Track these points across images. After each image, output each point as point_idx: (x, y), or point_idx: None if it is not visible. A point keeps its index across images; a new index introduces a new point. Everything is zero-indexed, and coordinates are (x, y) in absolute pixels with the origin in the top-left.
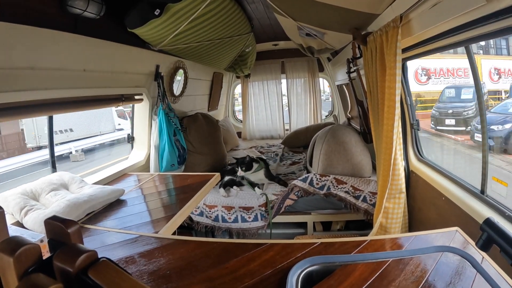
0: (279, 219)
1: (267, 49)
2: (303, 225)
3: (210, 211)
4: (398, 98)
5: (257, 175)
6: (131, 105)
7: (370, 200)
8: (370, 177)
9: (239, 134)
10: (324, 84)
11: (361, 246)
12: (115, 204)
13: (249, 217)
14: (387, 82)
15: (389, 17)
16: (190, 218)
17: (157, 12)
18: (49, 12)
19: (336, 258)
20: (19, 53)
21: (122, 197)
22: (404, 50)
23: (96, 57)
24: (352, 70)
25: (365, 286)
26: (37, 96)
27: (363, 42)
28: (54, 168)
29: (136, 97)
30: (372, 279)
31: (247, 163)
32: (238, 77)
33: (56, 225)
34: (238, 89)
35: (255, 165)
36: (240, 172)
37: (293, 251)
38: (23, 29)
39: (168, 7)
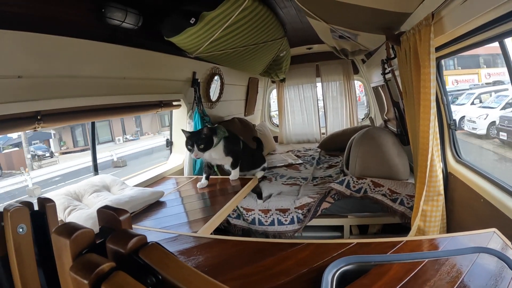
0: (315, 222)
1: (301, 53)
2: (339, 228)
3: (247, 214)
4: (433, 98)
5: (216, 151)
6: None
7: (408, 203)
8: (407, 180)
9: (275, 138)
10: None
11: (397, 247)
12: (155, 205)
13: (286, 220)
14: (422, 82)
15: (421, 16)
16: (227, 220)
17: (192, 20)
18: (89, 24)
19: (371, 258)
20: (63, 62)
21: (162, 199)
22: (438, 49)
23: (135, 65)
24: (387, 71)
25: (399, 286)
26: (80, 102)
27: (397, 42)
28: (96, 172)
29: (174, 103)
30: (407, 279)
31: (205, 137)
32: (273, 82)
33: (108, 213)
34: (274, 94)
35: (215, 139)
36: (196, 154)
37: (329, 251)
38: (66, 40)
39: (203, 15)
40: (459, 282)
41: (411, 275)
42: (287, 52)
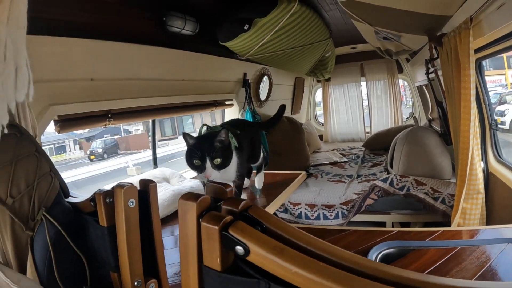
0: (358, 217)
1: (346, 53)
2: (382, 224)
3: (294, 208)
4: (473, 98)
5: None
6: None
7: (449, 202)
8: (450, 179)
9: (320, 137)
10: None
11: (434, 235)
12: None
13: (331, 215)
14: (462, 83)
15: (460, 19)
16: (275, 214)
17: (246, 27)
18: (151, 32)
19: (410, 243)
20: (129, 66)
21: None
22: (478, 50)
23: (192, 68)
24: (430, 71)
25: (433, 267)
26: (144, 102)
27: (439, 43)
28: (155, 165)
29: (227, 102)
30: (441, 261)
31: (222, 146)
32: (319, 81)
33: (217, 187)
34: (319, 93)
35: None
36: (210, 173)
37: (373, 237)
38: (131, 47)
39: (256, 22)
40: (486, 266)
41: (444, 259)
42: (332, 52)
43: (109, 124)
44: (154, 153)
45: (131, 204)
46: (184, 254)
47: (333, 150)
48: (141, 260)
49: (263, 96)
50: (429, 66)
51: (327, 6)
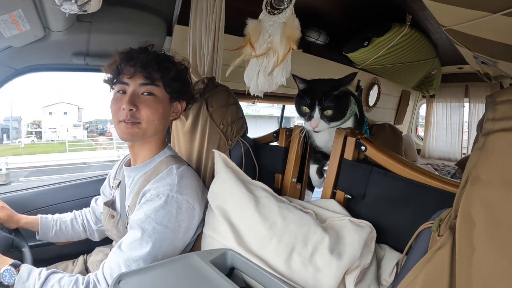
0: None
1: (452, 72)
2: None
3: None
4: None
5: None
6: None
7: None
8: None
9: (418, 151)
10: None
11: None
12: None
13: None
14: None
15: None
16: None
17: (365, 43)
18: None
19: None
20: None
21: None
22: None
23: (320, 70)
24: None
25: None
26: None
27: None
28: None
29: None
30: None
31: (340, 95)
32: (424, 97)
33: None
34: (423, 108)
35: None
36: (317, 123)
37: None
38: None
39: (373, 40)
40: None
41: None
42: (438, 71)
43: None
44: None
45: (301, 134)
46: (334, 154)
47: (427, 164)
48: (298, 168)
49: (371, 102)
50: None
51: (434, 29)
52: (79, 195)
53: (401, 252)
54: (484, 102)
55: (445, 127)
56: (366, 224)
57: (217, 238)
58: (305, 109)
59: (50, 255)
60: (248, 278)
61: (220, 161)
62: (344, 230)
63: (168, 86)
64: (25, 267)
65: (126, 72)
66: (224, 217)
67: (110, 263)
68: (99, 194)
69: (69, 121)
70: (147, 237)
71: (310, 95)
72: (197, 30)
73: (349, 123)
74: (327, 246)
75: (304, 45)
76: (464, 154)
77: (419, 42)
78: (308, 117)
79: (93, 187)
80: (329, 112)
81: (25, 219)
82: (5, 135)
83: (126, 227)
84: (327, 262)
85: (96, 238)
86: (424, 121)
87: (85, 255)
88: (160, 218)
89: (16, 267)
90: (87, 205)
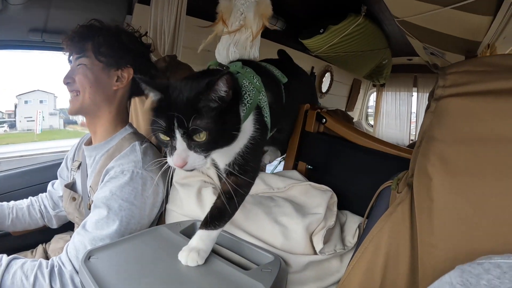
0: None
1: (401, 63)
2: None
3: None
4: None
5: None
6: None
7: None
8: None
9: None
10: None
11: None
12: None
13: None
14: None
15: (483, 44)
16: None
17: (321, 31)
18: None
19: None
20: None
21: None
22: None
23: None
24: None
25: None
26: None
27: None
28: None
29: None
30: None
31: (215, 110)
32: (374, 86)
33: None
34: (372, 97)
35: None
36: (182, 159)
37: None
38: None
39: (329, 27)
40: None
41: None
42: (389, 61)
43: None
44: None
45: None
46: (296, 127)
47: None
48: None
49: (324, 89)
50: None
51: (387, 20)
52: (36, 181)
53: (362, 216)
54: None
55: (394, 114)
56: (326, 188)
57: (182, 212)
58: (163, 136)
59: (6, 246)
60: (217, 246)
61: None
62: (306, 194)
63: (98, 54)
64: None
65: (67, 50)
66: (189, 191)
67: (75, 243)
68: (54, 179)
69: (46, 109)
70: (114, 215)
71: (166, 111)
72: (158, 9)
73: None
74: (292, 208)
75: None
76: (412, 140)
77: (372, 32)
78: (169, 148)
79: (50, 172)
80: (201, 136)
81: None
82: None
83: (89, 209)
84: (294, 222)
85: (54, 225)
86: (373, 110)
87: (44, 244)
88: (126, 195)
89: None
90: (43, 191)
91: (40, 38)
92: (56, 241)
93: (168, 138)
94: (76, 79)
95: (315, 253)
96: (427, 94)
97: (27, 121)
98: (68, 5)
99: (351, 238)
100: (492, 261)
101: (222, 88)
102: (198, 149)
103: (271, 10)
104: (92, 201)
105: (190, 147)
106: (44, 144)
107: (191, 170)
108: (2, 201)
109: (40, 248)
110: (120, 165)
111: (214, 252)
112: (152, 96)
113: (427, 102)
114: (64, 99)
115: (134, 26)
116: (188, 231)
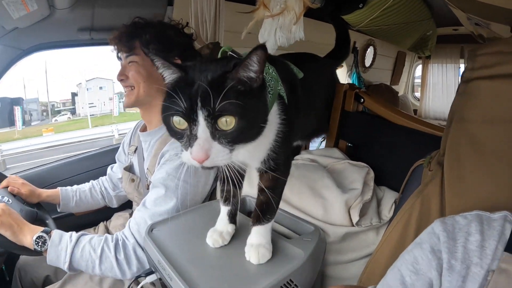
0: None
1: (447, 33)
2: None
3: None
4: None
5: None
6: None
7: None
8: None
9: (415, 111)
10: None
11: None
12: None
13: None
14: None
15: None
16: None
17: (361, 5)
18: None
19: None
20: None
21: None
22: None
23: (318, 33)
24: None
25: None
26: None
27: None
28: None
29: None
30: None
31: (242, 93)
32: (419, 58)
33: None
34: (419, 69)
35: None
36: (203, 152)
37: None
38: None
39: (368, 1)
40: None
41: None
42: (433, 32)
43: None
44: None
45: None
46: (335, 107)
47: None
48: None
49: (367, 63)
50: None
51: None
52: (93, 166)
53: (398, 192)
54: None
55: (441, 87)
56: (363, 165)
57: None
58: (179, 123)
59: (70, 225)
60: None
61: None
62: (345, 172)
63: (147, 50)
64: (56, 232)
65: (116, 49)
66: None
67: (136, 219)
68: (112, 163)
69: (106, 95)
70: (171, 193)
71: (187, 91)
72: None
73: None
74: (332, 183)
75: None
76: None
77: (414, 3)
78: (186, 139)
79: (106, 157)
80: (228, 123)
81: (46, 193)
82: (32, 116)
83: (148, 188)
84: (334, 195)
85: (114, 204)
86: (420, 82)
87: (105, 221)
88: (181, 175)
89: (47, 233)
90: (102, 174)
91: (88, 36)
92: (116, 219)
93: (185, 126)
94: (130, 75)
95: (352, 225)
96: None
97: (89, 107)
98: (111, 3)
99: (387, 212)
100: (462, 214)
101: (253, 66)
102: (224, 139)
103: None
104: (150, 181)
105: (214, 136)
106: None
107: (210, 168)
108: (65, 186)
109: (101, 225)
110: (174, 148)
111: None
112: (168, 77)
113: None
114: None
115: (175, 18)
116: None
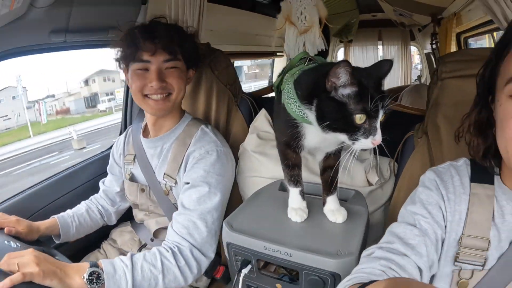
0: None
1: (367, 19)
2: None
3: None
4: None
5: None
6: None
7: None
8: None
9: None
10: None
11: None
12: None
13: None
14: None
15: (451, 11)
16: None
17: None
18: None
19: None
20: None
21: None
22: (463, 32)
23: (262, 26)
24: (433, 42)
25: None
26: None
27: (438, 24)
28: None
29: (278, 53)
30: None
31: None
32: (341, 42)
33: None
34: (341, 52)
35: None
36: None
37: None
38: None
39: None
40: None
41: None
42: (357, 19)
43: None
44: None
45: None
46: None
47: None
48: None
49: None
50: (433, 38)
51: None
52: (77, 184)
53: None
54: (395, 44)
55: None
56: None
57: (261, 174)
58: (361, 117)
59: (70, 255)
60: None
61: (263, 116)
62: None
63: (188, 58)
64: (105, 262)
65: (147, 49)
66: (268, 158)
67: (183, 223)
68: (96, 175)
69: (20, 105)
70: (214, 188)
71: (369, 96)
72: None
73: None
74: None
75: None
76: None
77: None
78: (363, 130)
79: (87, 171)
80: (383, 116)
81: (44, 225)
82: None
83: (167, 194)
84: (356, 167)
85: (113, 221)
86: None
87: (105, 240)
88: (218, 170)
89: (96, 266)
90: (89, 189)
91: (63, 39)
92: (120, 235)
93: (365, 118)
94: (171, 81)
95: (369, 185)
96: (391, 47)
97: (4, 120)
98: (90, 1)
99: (385, 172)
100: (440, 166)
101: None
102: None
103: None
104: (170, 186)
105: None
106: None
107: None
108: (53, 209)
109: (106, 245)
110: (201, 147)
111: (313, 198)
112: (344, 90)
113: (392, 54)
114: None
115: (149, 17)
116: (283, 187)
